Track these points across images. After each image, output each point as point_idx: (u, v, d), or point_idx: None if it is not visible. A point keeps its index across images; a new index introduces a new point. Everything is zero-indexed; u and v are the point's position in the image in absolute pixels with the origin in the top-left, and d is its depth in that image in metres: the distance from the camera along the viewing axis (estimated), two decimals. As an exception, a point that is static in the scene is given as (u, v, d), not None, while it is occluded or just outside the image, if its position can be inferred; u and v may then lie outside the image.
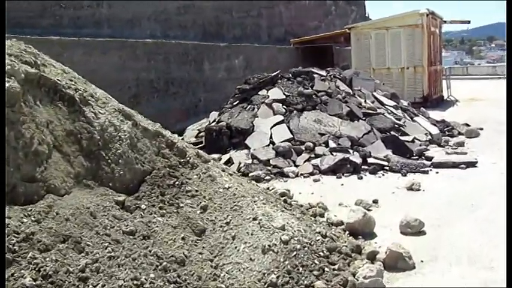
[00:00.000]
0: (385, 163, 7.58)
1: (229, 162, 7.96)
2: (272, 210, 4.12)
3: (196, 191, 4.21)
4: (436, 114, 12.24)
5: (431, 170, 7.31)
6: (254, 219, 3.94)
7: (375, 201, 5.80)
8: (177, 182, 4.24)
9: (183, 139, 10.11)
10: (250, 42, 16.77)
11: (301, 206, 5.47)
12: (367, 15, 27.30)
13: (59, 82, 4.12)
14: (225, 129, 8.45)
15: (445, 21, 18.75)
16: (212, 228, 3.92)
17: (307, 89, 9.08)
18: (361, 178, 7.08)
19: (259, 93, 9.23)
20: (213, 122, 9.30)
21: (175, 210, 4.01)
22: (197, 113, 12.67)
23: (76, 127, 4.04)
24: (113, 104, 4.37)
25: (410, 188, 6.29)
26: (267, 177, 7.24)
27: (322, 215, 5.32)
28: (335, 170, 7.41)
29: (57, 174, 3.70)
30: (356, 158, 7.54)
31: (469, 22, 20.51)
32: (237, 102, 9.45)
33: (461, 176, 6.92)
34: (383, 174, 7.24)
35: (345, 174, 7.28)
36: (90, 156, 4.02)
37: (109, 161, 4.06)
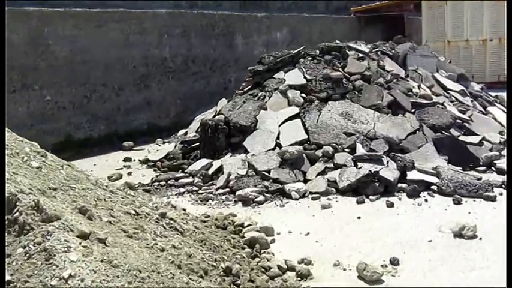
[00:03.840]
0: (434, 179, 5.28)
1: (220, 171, 5.96)
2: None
3: (7, 282, 2.26)
4: (523, 98, 9.55)
5: (501, 194, 4.94)
6: None
7: (394, 263, 3.58)
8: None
9: (186, 133, 8.26)
10: (302, 13, 14.46)
11: (267, 270, 3.40)
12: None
13: None
14: (222, 124, 6.43)
15: (540, -18, 15.52)
16: None
17: (337, 70, 6.83)
18: (391, 205, 4.84)
19: (276, 76, 7.09)
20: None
21: None
22: (227, 96, 10.70)
23: None
24: None
25: (459, 234, 4.01)
26: (259, 198, 5.17)
27: (295, 291, 3.22)
28: (358, 190, 5.23)
29: None
30: (389, 172, 5.29)
31: None
32: (249, 87, 7.38)
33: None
34: (426, 200, 4.95)
35: (370, 197, 5.07)
36: None
37: None
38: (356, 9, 16.30)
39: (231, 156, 6.12)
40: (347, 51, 7.14)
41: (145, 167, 7.10)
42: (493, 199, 4.80)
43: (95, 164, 7.51)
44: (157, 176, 6.30)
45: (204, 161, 6.17)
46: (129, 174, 6.73)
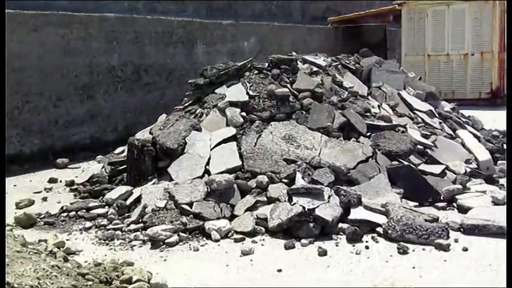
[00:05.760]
0: (381, 219, 4.47)
1: (138, 201, 5.12)
2: None
3: None
4: (502, 116, 8.76)
5: (456, 241, 4.14)
6: None
7: None
8: None
9: (123, 152, 7.39)
10: (276, 22, 13.67)
11: None
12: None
13: None
14: (149, 146, 5.60)
15: (525, -5, 14.91)
16: None
17: (284, 86, 6.03)
18: (323, 253, 4.01)
19: (217, 91, 6.28)
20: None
21: None
22: (184, 109, 9.90)
23: None
24: None
25: (392, 300, 3.20)
26: (172, 239, 4.33)
27: None
28: (290, 230, 4.41)
29: None
30: (329, 209, 4.47)
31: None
32: (190, 102, 6.57)
33: None
34: (367, 247, 4.12)
35: (302, 241, 4.24)
36: None
37: None
38: (334, 19, 15.56)
39: (154, 183, 5.29)
40: (298, 65, 6.34)
41: (68, 191, 6.25)
42: (445, 248, 3.99)
43: (15, 185, 6.65)
44: (71, 204, 5.46)
45: (122, 189, 5.33)
46: (44, 199, 5.88)
